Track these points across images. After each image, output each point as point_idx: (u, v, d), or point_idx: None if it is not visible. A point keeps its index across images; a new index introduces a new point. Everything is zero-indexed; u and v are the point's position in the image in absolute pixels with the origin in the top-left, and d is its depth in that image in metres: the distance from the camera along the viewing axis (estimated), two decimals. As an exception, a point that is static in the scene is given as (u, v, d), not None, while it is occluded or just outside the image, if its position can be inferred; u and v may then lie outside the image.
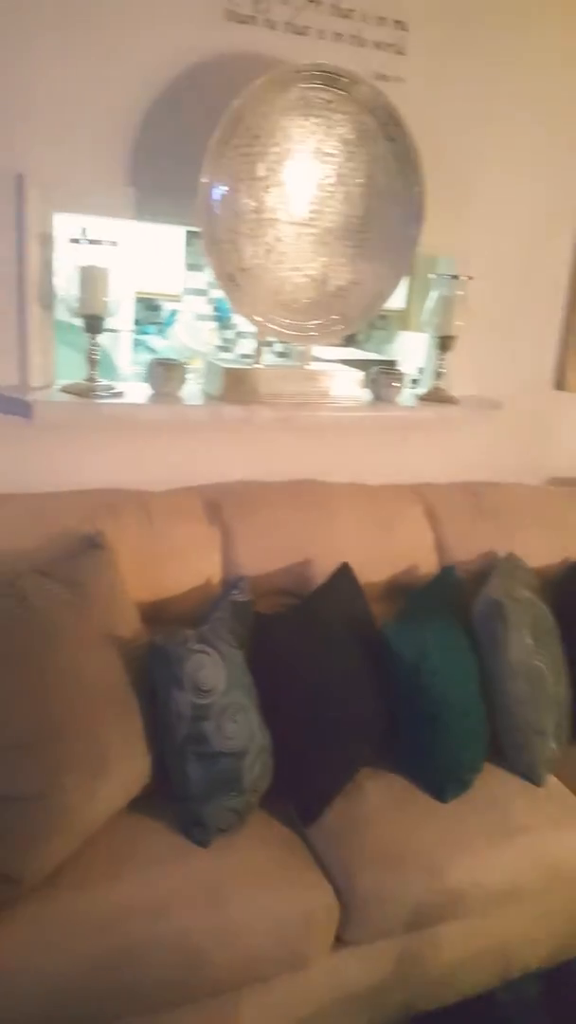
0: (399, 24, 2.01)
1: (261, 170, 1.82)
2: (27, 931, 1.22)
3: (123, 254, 3.53)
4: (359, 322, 2.07)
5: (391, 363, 3.43)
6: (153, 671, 1.44)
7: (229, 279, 1.82)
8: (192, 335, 4.34)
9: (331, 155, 1.89)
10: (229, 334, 4.60)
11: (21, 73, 1.68)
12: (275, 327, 1.94)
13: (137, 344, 4.00)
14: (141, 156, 1.82)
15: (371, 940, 1.52)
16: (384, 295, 2.06)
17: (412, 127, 1.92)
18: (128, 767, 1.39)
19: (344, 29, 1.95)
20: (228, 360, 2.15)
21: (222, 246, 1.79)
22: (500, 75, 2.19)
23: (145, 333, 4.30)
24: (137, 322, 4.35)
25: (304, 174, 1.88)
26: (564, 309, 2.54)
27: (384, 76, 2.02)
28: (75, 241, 1.73)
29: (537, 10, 2.18)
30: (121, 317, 3.48)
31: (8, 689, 1.26)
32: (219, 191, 1.74)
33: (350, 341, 5.17)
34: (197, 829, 1.43)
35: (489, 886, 1.58)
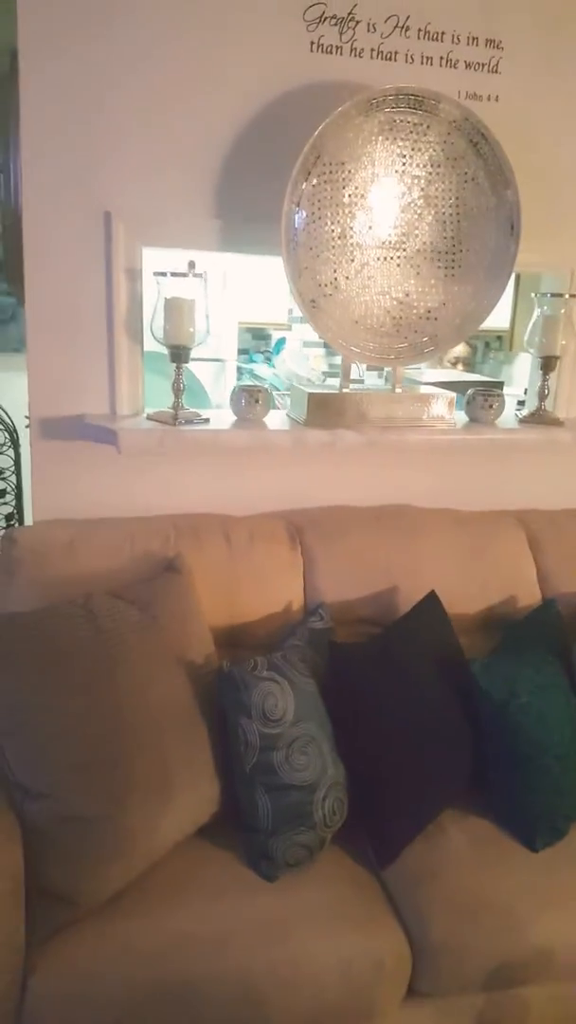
0: (492, 43, 1.97)
1: (346, 195, 1.82)
2: (83, 955, 1.23)
3: (228, 284, 3.64)
4: (450, 344, 2.01)
5: (492, 384, 3.33)
6: (222, 697, 1.43)
7: (312, 305, 1.82)
8: (299, 363, 4.39)
9: (418, 177, 1.86)
10: (336, 360, 4.63)
11: (109, 111, 1.76)
12: (359, 351, 1.91)
13: (244, 373, 4.09)
14: (226, 188, 1.86)
15: (445, 994, 1.43)
16: (478, 316, 1.99)
17: (508, 144, 1.86)
18: (195, 794, 1.38)
19: (434, 52, 1.93)
20: (328, 386, 2.15)
21: (304, 272, 1.80)
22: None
23: (252, 361, 4.40)
24: (245, 351, 4.46)
25: (391, 197, 1.86)
26: None
27: (477, 95, 1.98)
28: (160, 274, 1.78)
29: None
30: (226, 346, 3.58)
31: (74, 710, 1.29)
32: (300, 218, 1.75)
33: (464, 363, 5.09)
34: (265, 863, 1.40)
35: (582, 947, 1.45)
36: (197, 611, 1.61)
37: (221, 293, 3.51)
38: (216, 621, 1.70)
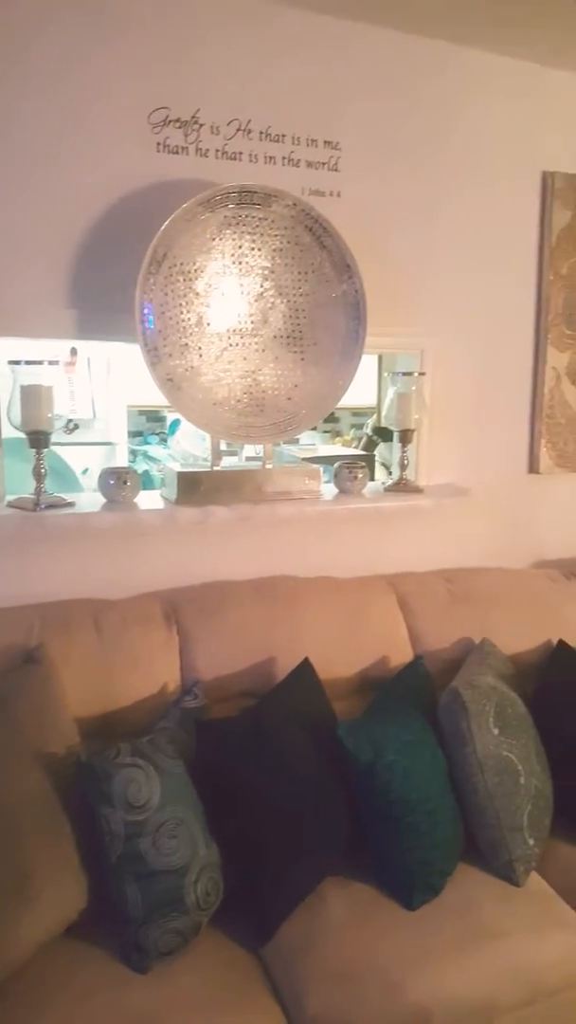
0: (330, 144, 2.16)
1: (200, 286, 1.94)
2: None
3: (112, 368, 3.71)
4: (310, 422, 2.12)
5: (360, 458, 3.51)
6: (82, 789, 1.44)
7: (172, 388, 1.91)
8: (193, 443, 4.48)
9: (267, 268, 2.01)
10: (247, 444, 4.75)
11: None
12: (223, 430, 2.01)
13: (138, 455, 4.14)
14: (80, 280, 1.94)
15: (329, 1068, 1.43)
16: (335, 395, 2.12)
17: (352, 236, 2.03)
18: (59, 892, 1.37)
19: (277, 152, 2.09)
20: (198, 465, 2.22)
21: (163, 358, 1.89)
22: (436, 179, 2.31)
23: (147, 443, 4.46)
24: (139, 433, 4.52)
25: (243, 287, 1.99)
26: (530, 396, 2.59)
27: (319, 191, 2.16)
28: (15, 363, 1.84)
29: (466, 113, 2.32)
30: (115, 429, 3.64)
31: None
32: (152, 309, 1.85)
33: (358, 439, 5.31)
34: (136, 954, 1.39)
35: (458, 1002, 1.48)
36: (60, 702, 1.61)
37: (106, 377, 3.58)
38: (87, 710, 1.70)
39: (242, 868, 1.55)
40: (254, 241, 1.98)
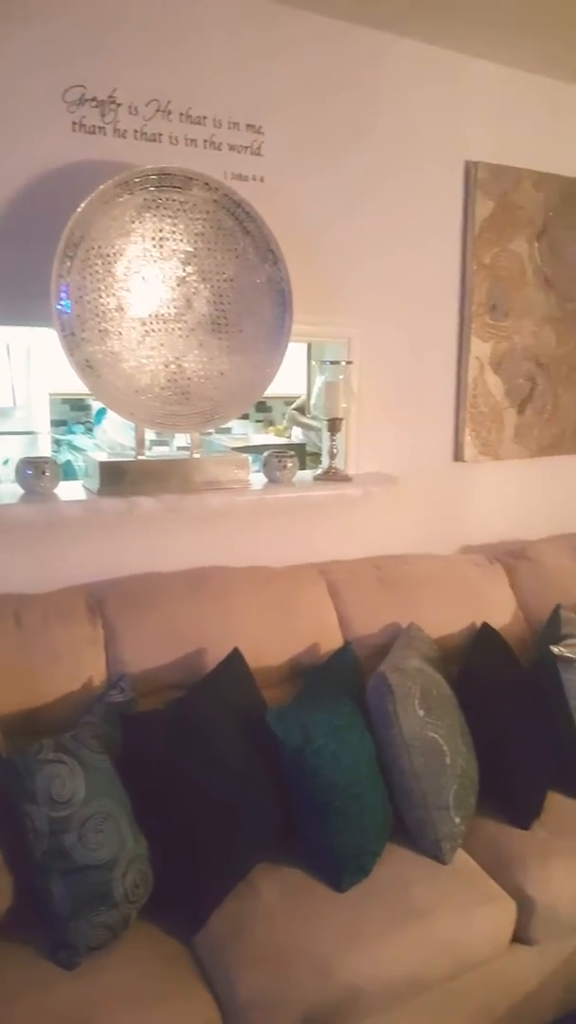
0: (253, 128, 2.13)
1: (119, 270, 1.89)
2: None
3: (32, 355, 3.61)
4: (236, 410, 2.11)
5: (287, 446, 3.53)
6: (3, 787, 1.40)
7: (91, 373, 1.87)
8: (121, 432, 4.40)
9: (189, 253, 1.98)
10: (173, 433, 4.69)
11: None
12: (146, 418, 1.97)
13: (63, 444, 4.05)
14: (-5, 265, 1.87)
15: (263, 1053, 1.44)
16: (262, 384, 2.11)
17: (277, 222, 2.01)
18: (-20, 892, 1.34)
19: (198, 135, 2.05)
20: (123, 455, 2.18)
21: (81, 344, 1.84)
22: (361, 167, 2.31)
23: (72, 432, 4.35)
24: (63, 422, 4.41)
25: (165, 272, 1.96)
26: (455, 385, 2.63)
27: (243, 176, 2.13)
28: None
29: (390, 101, 2.33)
30: (37, 418, 3.54)
31: None
32: (68, 292, 1.80)
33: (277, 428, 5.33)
34: (64, 952, 1.37)
35: (387, 979, 1.51)
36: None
37: (27, 363, 3.48)
38: (8, 707, 1.66)
39: (172, 859, 1.54)
40: (175, 225, 1.95)
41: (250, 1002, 1.40)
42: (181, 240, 1.96)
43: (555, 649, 2.04)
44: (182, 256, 1.96)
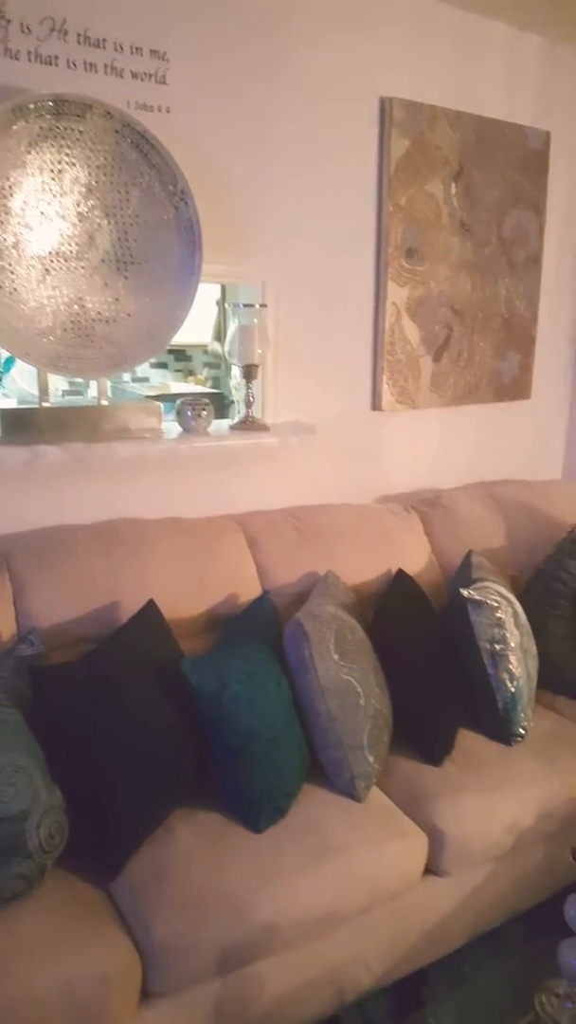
0: (157, 54, 2.01)
1: (15, 204, 1.78)
2: None
3: None
4: (144, 355, 2.04)
5: (202, 395, 3.46)
6: None
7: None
8: (30, 380, 4.22)
9: (91, 186, 1.88)
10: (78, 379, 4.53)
11: None
12: (49, 362, 1.89)
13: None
14: None
15: (180, 990, 1.46)
16: (171, 326, 2.04)
17: (185, 157, 1.93)
18: None
19: (98, 59, 1.93)
20: (25, 402, 2.09)
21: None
22: (273, 101, 2.22)
23: (-19, 382, 4.15)
24: (-33, 372, 4.18)
25: (65, 206, 1.85)
26: (372, 332, 2.61)
27: (147, 106, 2.02)
28: None
29: (301, 31, 2.24)
30: None
31: None
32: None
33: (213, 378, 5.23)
34: (-25, 905, 1.35)
35: (302, 915, 1.55)
36: None
37: None
38: None
39: (88, 809, 1.53)
40: (74, 156, 1.84)
41: (167, 943, 1.41)
42: (81, 172, 1.85)
43: (465, 592, 2.09)
44: (82, 190, 1.86)
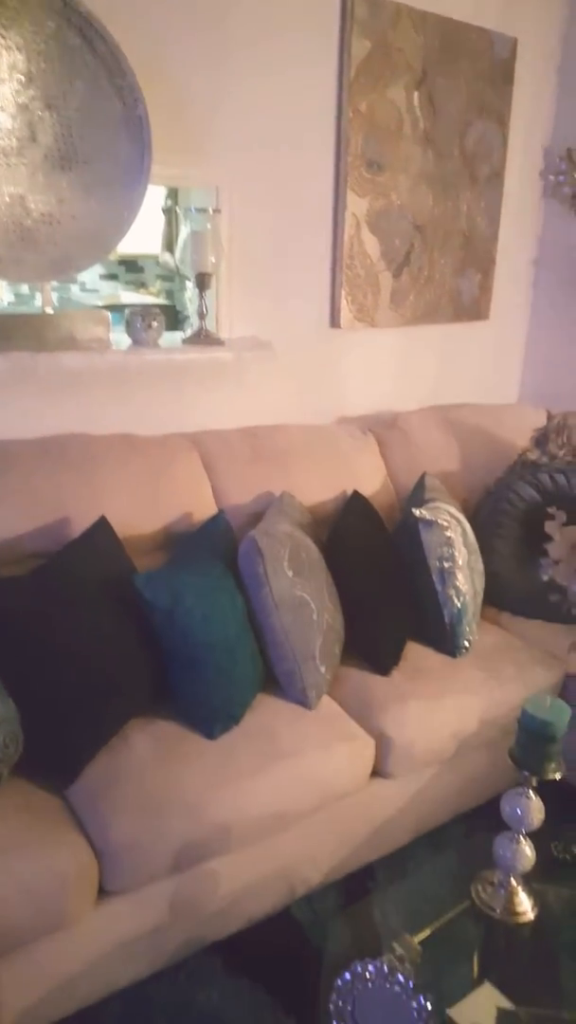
0: None
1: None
2: None
3: None
4: (91, 258, 1.94)
5: (155, 306, 3.34)
6: None
7: None
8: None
9: (30, 74, 1.74)
10: (24, 289, 4.33)
11: None
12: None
13: None
14: None
15: (136, 887, 1.52)
16: (119, 230, 1.94)
17: (132, 46, 1.80)
18: None
19: None
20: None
21: None
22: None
23: None
24: None
25: (4, 97, 1.72)
26: (331, 244, 2.54)
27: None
28: None
29: None
30: None
31: None
32: None
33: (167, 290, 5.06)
34: None
35: (255, 815, 1.62)
36: None
37: None
38: None
39: (43, 719, 1.54)
40: (9, 40, 1.70)
41: (123, 844, 1.46)
42: (19, 58, 1.72)
43: (417, 512, 2.12)
44: (21, 78, 1.73)
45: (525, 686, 2.06)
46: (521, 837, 1.44)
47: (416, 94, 2.52)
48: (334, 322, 2.62)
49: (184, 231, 2.18)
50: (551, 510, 1.24)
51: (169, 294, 5.03)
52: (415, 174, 2.61)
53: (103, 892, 1.50)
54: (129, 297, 4.77)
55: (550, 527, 1.21)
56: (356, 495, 2.32)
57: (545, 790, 1.42)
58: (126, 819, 1.49)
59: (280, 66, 2.24)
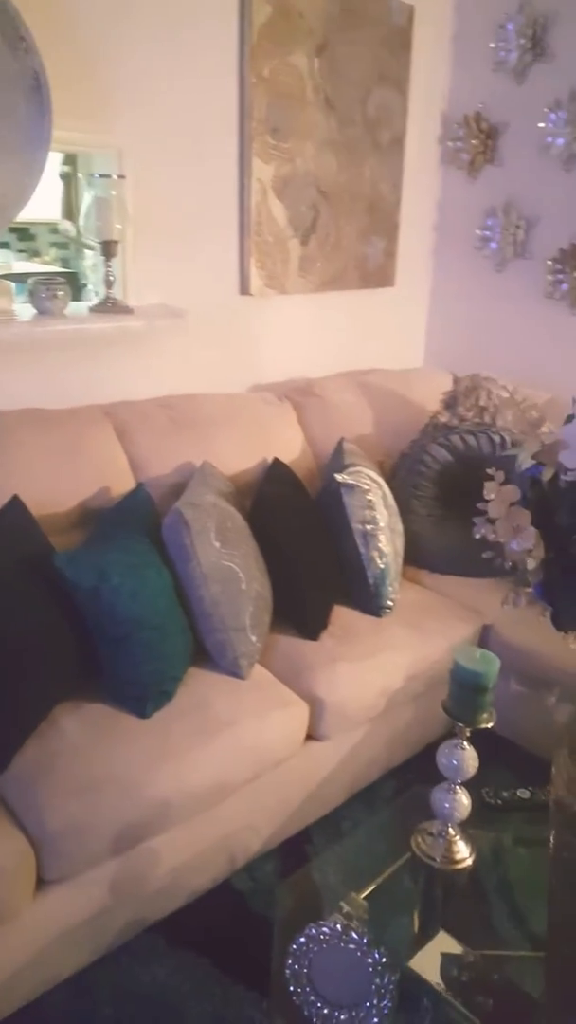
0: None
1: None
2: None
3: None
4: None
5: (56, 274, 3.20)
6: None
7: None
8: None
9: None
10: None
11: None
12: None
13: None
14: None
15: (76, 874, 1.48)
16: (20, 197, 1.85)
17: (28, 2, 1.69)
18: None
19: None
20: None
21: None
22: None
23: None
24: None
25: None
26: (238, 211, 2.48)
27: None
28: None
29: None
30: None
31: None
32: None
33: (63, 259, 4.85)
34: None
35: (194, 789, 1.60)
36: None
37: None
38: None
39: (-36, 712, 1.47)
40: None
41: (61, 830, 1.42)
42: None
43: (339, 477, 2.13)
44: None
45: (447, 640, 2.13)
46: (457, 787, 1.48)
47: (317, 60, 2.49)
48: (244, 289, 2.59)
49: (87, 197, 2.07)
50: (491, 471, 1.27)
51: (64, 262, 4.83)
52: (319, 140, 2.59)
53: (42, 882, 1.45)
54: (22, 266, 4.55)
55: (489, 487, 1.23)
56: (277, 462, 2.31)
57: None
58: (61, 806, 1.44)
59: (182, 28, 2.16)
